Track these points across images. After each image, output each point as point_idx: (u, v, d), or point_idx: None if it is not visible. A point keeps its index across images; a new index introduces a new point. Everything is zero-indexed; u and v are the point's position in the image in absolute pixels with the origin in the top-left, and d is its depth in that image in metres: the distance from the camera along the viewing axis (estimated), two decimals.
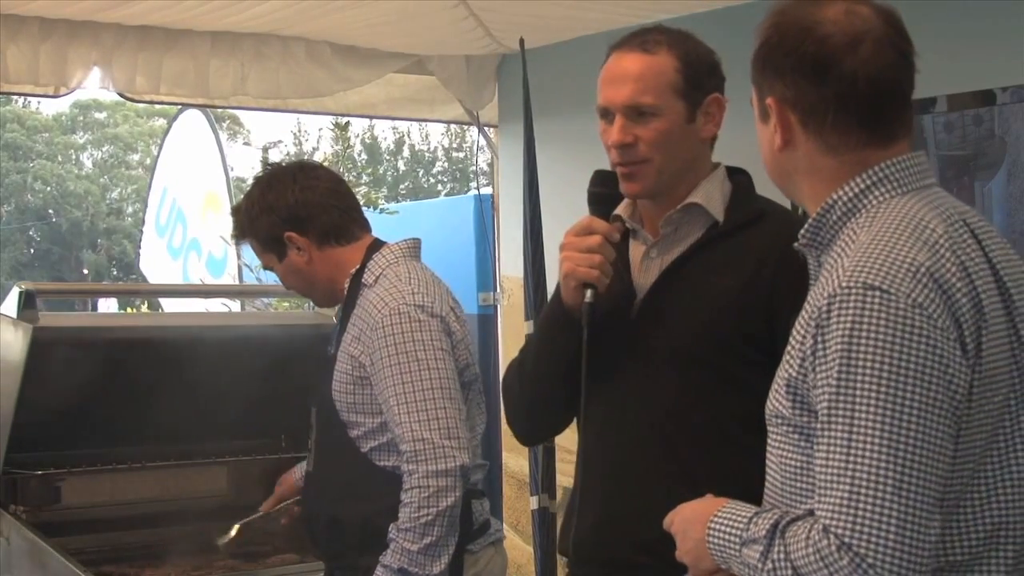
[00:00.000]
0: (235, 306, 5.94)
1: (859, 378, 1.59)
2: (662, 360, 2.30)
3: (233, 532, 3.36)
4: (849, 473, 1.57)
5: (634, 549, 2.28)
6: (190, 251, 9.91)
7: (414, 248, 2.93)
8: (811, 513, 1.66)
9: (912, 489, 1.56)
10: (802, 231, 1.81)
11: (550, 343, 2.37)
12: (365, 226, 2.99)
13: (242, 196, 3.12)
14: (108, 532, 3.44)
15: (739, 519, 1.75)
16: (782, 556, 1.64)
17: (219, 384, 3.36)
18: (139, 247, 11.43)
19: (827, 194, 1.77)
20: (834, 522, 1.57)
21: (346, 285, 2.88)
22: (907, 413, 1.57)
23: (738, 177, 2.41)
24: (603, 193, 2.33)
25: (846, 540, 1.56)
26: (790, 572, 1.62)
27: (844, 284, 1.63)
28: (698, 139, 2.35)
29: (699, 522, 1.82)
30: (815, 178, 1.79)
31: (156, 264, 10.40)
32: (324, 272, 2.92)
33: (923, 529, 1.56)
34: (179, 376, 3.29)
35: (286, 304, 5.37)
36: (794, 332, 1.73)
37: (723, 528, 1.76)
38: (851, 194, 1.75)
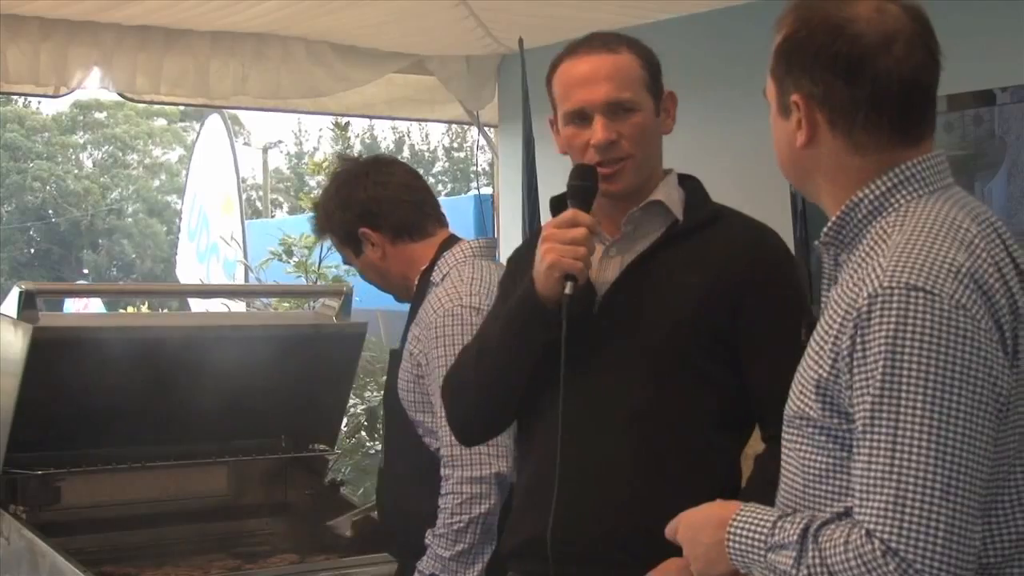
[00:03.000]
0: (239, 306, 5.95)
1: (904, 380, 1.56)
2: (631, 356, 2.31)
3: (349, 531, 3.37)
4: (895, 476, 1.54)
5: (607, 545, 2.28)
6: (212, 255, 9.98)
7: (487, 247, 2.94)
8: (841, 516, 1.64)
9: (960, 493, 1.53)
10: (825, 229, 1.77)
11: (520, 337, 2.35)
12: (441, 221, 2.98)
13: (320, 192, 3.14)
14: (108, 532, 3.44)
15: (762, 523, 1.71)
16: (818, 561, 1.60)
17: (219, 384, 3.36)
18: (175, 253, 11.54)
19: (850, 193, 1.74)
20: (879, 526, 1.54)
21: (416, 282, 2.89)
22: (954, 416, 1.54)
23: (689, 182, 2.47)
24: (584, 186, 2.33)
25: (892, 545, 1.53)
26: None
27: (886, 284, 1.60)
28: (661, 135, 2.41)
29: (711, 527, 1.79)
30: (838, 176, 1.76)
31: (188, 269, 10.49)
32: (397, 268, 2.92)
33: (969, 533, 1.54)
34: (179, 376, 3.29)
35: (286, 304, 5.37)
36: (821, 332, 1.70)
37: (745, 532, 1.73)
38: (877, 193, 1.72)
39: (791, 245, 4.30)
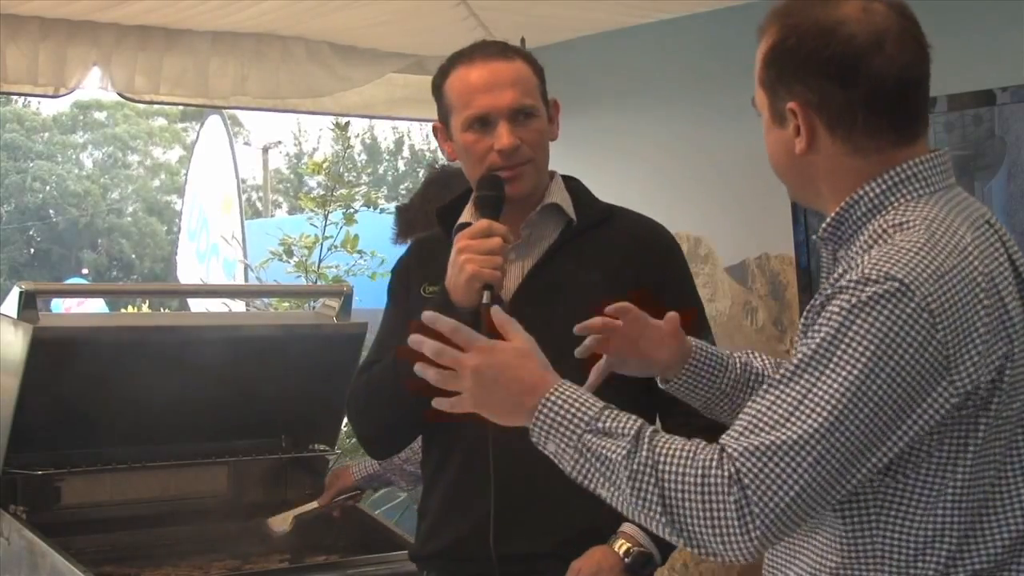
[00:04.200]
0: (239, 306, 5.95)
1: (840, 351, 1.58)
2: None
3: (288, 525, 3.42)
4: (782, 427, 1.57)
5: (531, 541, 2.33)
6: (212, 255, 9.99)
7: None
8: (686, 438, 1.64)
9: (827, 471, 1.56)
10: (824, 224, 1.77)
11: None
12: None
13: (413, 195, 3.34)
14: (108, 532, 3.43)
15: (587, 404, 1.69)
16: (649, 462, 1.61)
17: (219, 384, 3.36)
18: (175, 253, 11.56)
19: (850, 192, 1.74)
20: (743, 458, 1.57)
21: None
22: (865, 402, 1.56)
23: (572, 182, 2.53)
24: (494, 196, 2.38)
25: (744, 480, 1.56)
26: (652, 482, 1.60)
27: (867, 271, 1.61)
28: (550, 141, 2.48)
29: (518, 381, 1.75)
30: (839, 180, 1.75)
31: (188, 269, 10.50)
32: None
33: (807, 509, 1.57)
34: (179, 376, 3.29)
35: (286, 304, 5.37)
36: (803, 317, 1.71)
37: (565, 406, 1.69)
38: (877, 191, 1.72)
39: (790, 247, 4.32)
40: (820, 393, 1.57)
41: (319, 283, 5.35)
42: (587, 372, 2.33)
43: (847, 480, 1.59)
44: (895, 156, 1.73)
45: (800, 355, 1.61)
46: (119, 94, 4.99)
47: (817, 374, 1.58)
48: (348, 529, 3.53)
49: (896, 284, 1.58)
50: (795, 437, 1.56)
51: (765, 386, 1.63)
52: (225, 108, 7.83)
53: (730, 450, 1.58)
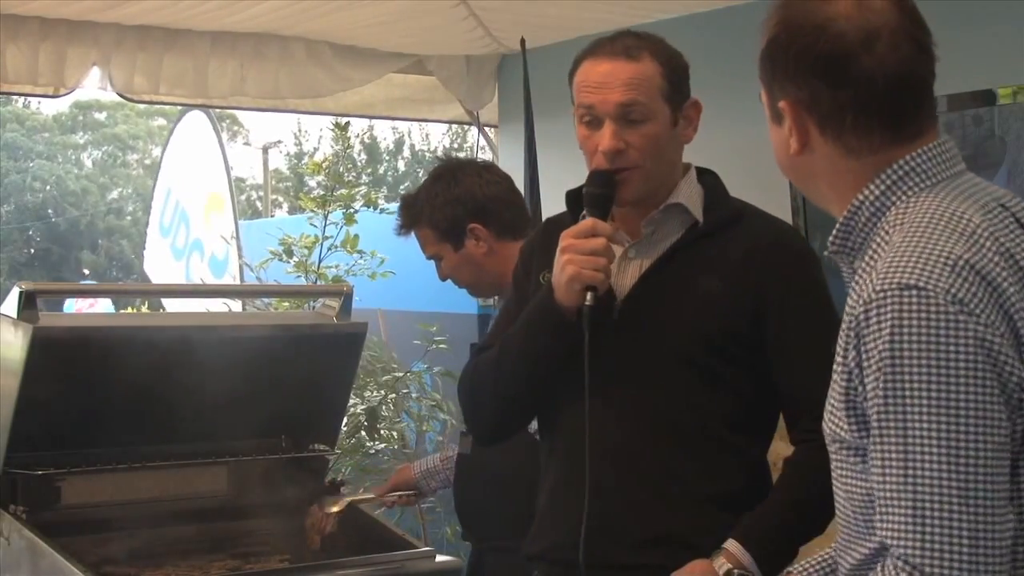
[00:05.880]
0: (236, 306, 5.96)
1: (907, 383, 1.49)
2: (651, 363, 2.29)
3: (338, 507, 3.45)
4: (910, 488, 1.48)
5: (625, 550, 2.27)
6: (193, 252, 9.92)
7: None
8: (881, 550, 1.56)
9: (979, 494, 1.46)
10: (831, 238, 1.70)
11: (540, 346, 2.34)
12: (531, 224, 3.17)
13: (419, 187, 3.31)
14: (108, 532, 3.43)
15: None
16: None
17: (219, 384, 3.36)
18: (143, 249, 11.44)
19: (852, 196, 1.67)
20: (902, 544, 1.48)
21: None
22: (963, 414, 1.47)
23: (707, 178, 2.43)
24: (602, 194, 2.30)
25: (916, 561, 1.47)
26: None
27: (879, 287, 1.53)
28: (679, 143, 2.37)
29: None
30: (837, 182, 1.69)
31: (159, 265, 10.41)
32: (497, 264, 3.06)
33: (996, 533, 1.47)
34: (179, 376, 3.28)
35: (286, 304, 5.37)
36: (837, 348, 1.63)
37: None
38: (877, 193, 1.65)
39: None
40: (917, 432, 1.48)
41: (319, 283, 5.35)
42: (687, 379, 2.26)
43: (1004, 486, 1.49)
44: (892, 156, 1.66)
45: (875, 408, 1.52)
46: (119, 94, 5.00)
47: (901, 417, 1.49)
48: (348, 529, 3.53)
49: (914, 292, 1.50)
50: (926, 490, 1.47)
51: (871, 456, 1.55)
52: (225, 108, 7.84)
53: (890, 542, 1.50)
